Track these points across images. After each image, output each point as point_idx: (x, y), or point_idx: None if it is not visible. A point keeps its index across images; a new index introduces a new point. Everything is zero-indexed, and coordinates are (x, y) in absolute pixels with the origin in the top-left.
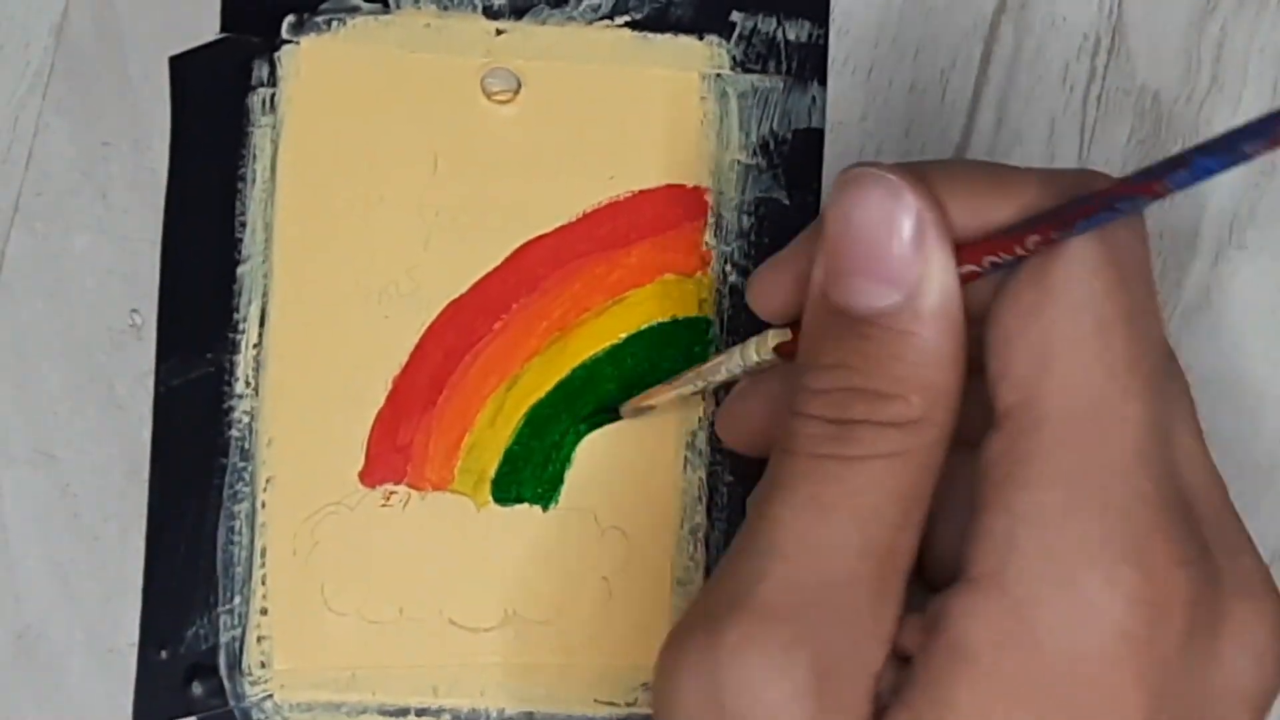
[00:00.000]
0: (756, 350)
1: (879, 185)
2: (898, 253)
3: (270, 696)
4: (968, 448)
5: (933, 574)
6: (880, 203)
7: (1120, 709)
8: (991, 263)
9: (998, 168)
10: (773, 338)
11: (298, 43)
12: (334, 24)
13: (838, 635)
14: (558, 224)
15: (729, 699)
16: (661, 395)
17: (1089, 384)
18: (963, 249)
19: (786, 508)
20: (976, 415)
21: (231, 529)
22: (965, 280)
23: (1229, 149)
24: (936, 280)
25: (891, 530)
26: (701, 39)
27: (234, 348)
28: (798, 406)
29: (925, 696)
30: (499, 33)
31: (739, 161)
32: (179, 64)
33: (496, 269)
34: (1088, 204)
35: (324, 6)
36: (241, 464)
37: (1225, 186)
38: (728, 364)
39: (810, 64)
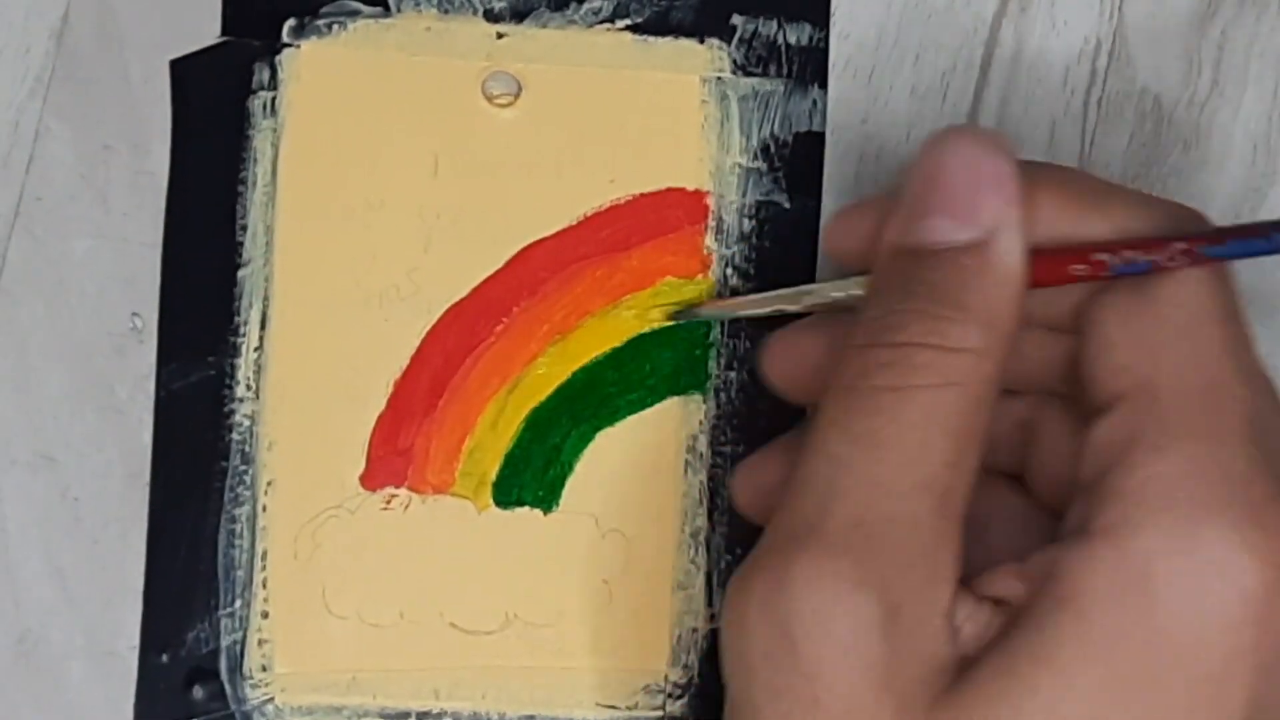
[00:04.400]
0: (847, 287)
1: (973, 135)
2: (982, 195)
3: (271, 700)
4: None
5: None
6: (972, 149)
7: (1234, 672)
8: (1119, 266)
9: (1102, 186)
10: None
11: (298, 46)
12: (335, 27)
13: (904, 572)
14: (558, 227)
15: (799, 631)
16: (742, 308)
17: (1201, 366)
18: (1070, 253)
19: (843, 444)
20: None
21: (232, 532)
22: (1071, 280)
23: None
24: (1012, 230)
25: (947, 469)
26: (702, 42)
27: (235, 351)
28: (854, 340)
29: (1027, 646)
30: (500, 36)
31: (740, 165)
32: (180, 67)
33: (497, 272)
34: (1249, 229)
35: (325, 10)
36: (242, 467)
37: (1227, 187)
38: (810, 297)
39: (811, 67)
